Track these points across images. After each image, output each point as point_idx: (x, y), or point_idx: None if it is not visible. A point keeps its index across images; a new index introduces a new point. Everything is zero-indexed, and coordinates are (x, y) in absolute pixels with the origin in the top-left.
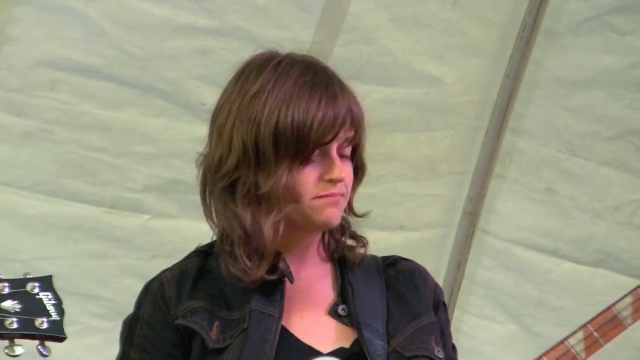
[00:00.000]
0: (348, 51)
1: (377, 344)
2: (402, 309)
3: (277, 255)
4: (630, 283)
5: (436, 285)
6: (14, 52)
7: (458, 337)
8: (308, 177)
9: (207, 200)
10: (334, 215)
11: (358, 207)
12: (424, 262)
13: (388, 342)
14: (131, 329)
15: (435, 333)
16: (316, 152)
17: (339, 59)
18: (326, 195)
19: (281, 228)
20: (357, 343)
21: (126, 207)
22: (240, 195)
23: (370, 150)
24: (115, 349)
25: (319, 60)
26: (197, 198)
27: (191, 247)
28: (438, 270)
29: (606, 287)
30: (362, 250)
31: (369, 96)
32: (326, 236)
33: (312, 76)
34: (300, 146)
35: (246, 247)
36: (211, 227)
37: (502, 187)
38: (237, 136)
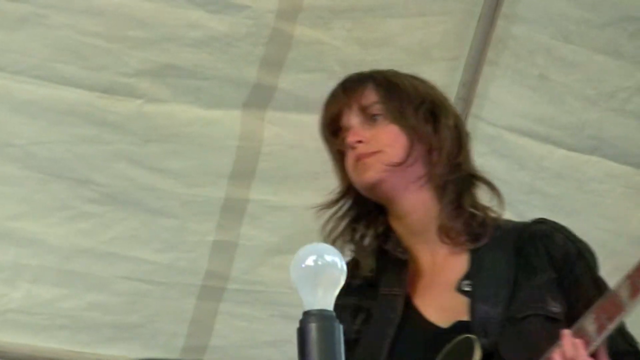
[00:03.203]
0: None
1: (490, 312)
2: (527, 274)
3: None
4: (623, 170)
5: (566, 241)
6: None
7: None
8: (347, 161)
9: None
10: (363, 175)
11: None
12: None
13: (509, 310)
14: None
15: (553, 290)
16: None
17: None
18: (353, 161)
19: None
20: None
21: (120, 92)
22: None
23: (365, 36)
24: (108, 233)
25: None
26: (191, 83)
27: (184, 132)
28: None
29: (599, 174)
30: (491, 222)
31: None
32: (443, 216)
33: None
34: (326, 131)
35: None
36: None
37: (495, 73)
38: None
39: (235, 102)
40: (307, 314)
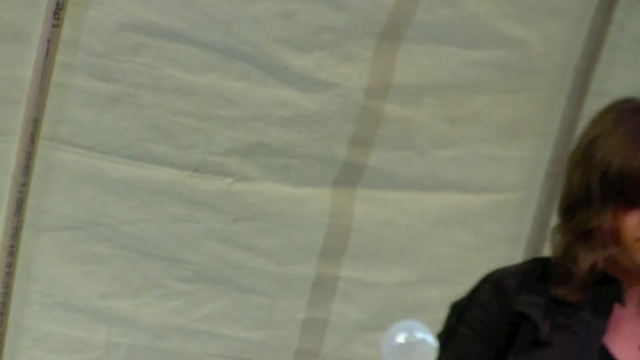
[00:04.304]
0: (431, 14)
1: None
2: None
3: (616, 280)
4: None
5: None
6: (98, 17)
7: None
8: (632, 220)
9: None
10: None
11: (440, 169)
12: (508, 225)
13: None
14: (464, 309)
15: None
16: None
17: (422, 22)
18: None
19: (597, 266)
20: None
21: (210, 171)
22: (570, 229)
23: (453, 113)
24: (199, 311)
25: None
26: (281, 161)
27: (274, 210)
28: (521, 234)
29: None
30: None
31: (451, 59)
32: None
33: None
34: (625, 192)
35: (564, 278)
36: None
37: None
38: (576, 176)
39: (325, 180)
40: None
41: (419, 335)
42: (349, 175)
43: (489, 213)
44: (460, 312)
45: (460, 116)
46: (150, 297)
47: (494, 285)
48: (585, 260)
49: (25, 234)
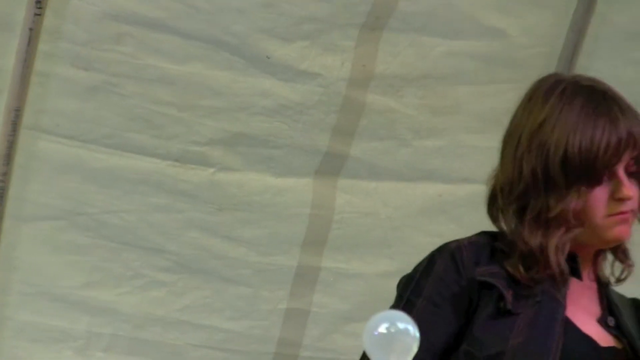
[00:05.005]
0: (413, 4)
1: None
2: None
3: (573, 254)
4: None
5: None
6: (80, 6)
7: None
8: (598, 198)
9: (495, 214)
10: (624, 231)
11: (422, 159)
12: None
13: None
14: (420, 282)
15: None
16: (604, 175)
17: (404, 13)
18: (616, 214)
19: (567, 249)
20: (625, 351)
21: (191, 161)
22: (529, 219)
23: (435, 103)
24: (180, 301)
25: (602, 84)
26: (263, 151)
27: (256, 200)
28: None
29: None
30: (625, 274)
31: (434, 49)
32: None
33: (595, 104)
34: (588, 171)
35: (526, 261)
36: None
37: None
38: (526, 164)
39: (307, 170)
40: None
41: (401, 325)
42: (331, 166)
43: (471, 203)
44: (416, 286)
45: (443, 107)
46: (131, 287)
47: (451, 257)
48: (553, 245)
49: (6, 223)
